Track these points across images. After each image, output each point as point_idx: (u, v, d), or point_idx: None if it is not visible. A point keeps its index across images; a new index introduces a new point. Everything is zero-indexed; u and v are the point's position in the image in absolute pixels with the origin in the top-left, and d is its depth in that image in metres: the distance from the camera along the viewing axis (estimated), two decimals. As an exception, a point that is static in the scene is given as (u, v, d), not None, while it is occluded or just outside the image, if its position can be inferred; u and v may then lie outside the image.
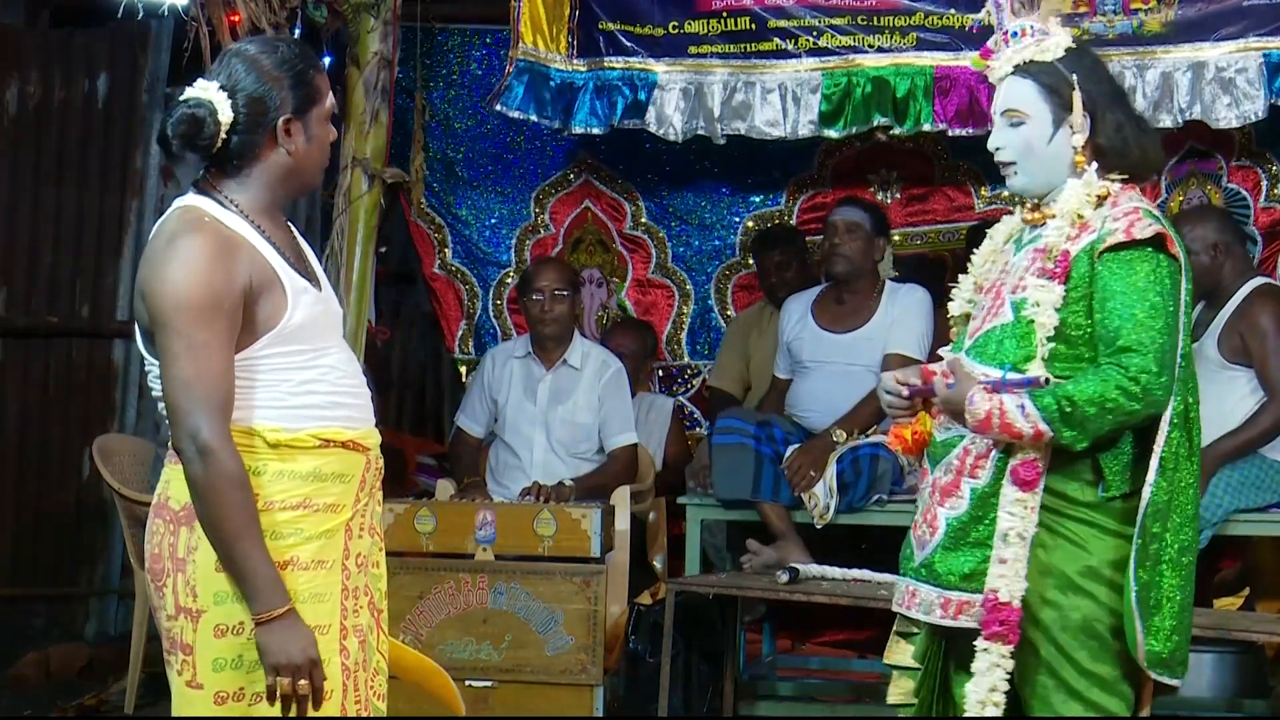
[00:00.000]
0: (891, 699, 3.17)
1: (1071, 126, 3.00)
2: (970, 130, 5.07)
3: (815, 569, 4.87)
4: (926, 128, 5.18)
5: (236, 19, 4.76)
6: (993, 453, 2.95)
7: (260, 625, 2.58)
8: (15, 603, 6.48)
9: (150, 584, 2.72)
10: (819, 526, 5.07)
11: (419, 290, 7.00)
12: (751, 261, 6.34)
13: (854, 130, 5.29)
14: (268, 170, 2.74)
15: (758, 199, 6.52)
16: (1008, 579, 2.88)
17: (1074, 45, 3.06)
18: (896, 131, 5.31)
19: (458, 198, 6.54)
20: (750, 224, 6.49)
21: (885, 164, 6.39)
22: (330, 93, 2.79)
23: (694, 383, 6.52)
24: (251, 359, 2.66)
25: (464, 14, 6.37)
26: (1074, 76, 3.01)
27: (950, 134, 5.16)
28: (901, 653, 3.14)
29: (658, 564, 5.59)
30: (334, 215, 5.10)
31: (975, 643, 2.91)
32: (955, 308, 3.20)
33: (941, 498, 2.99)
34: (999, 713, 2.91)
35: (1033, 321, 2.94)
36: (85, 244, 6.70)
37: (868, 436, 5.15)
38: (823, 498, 5.06)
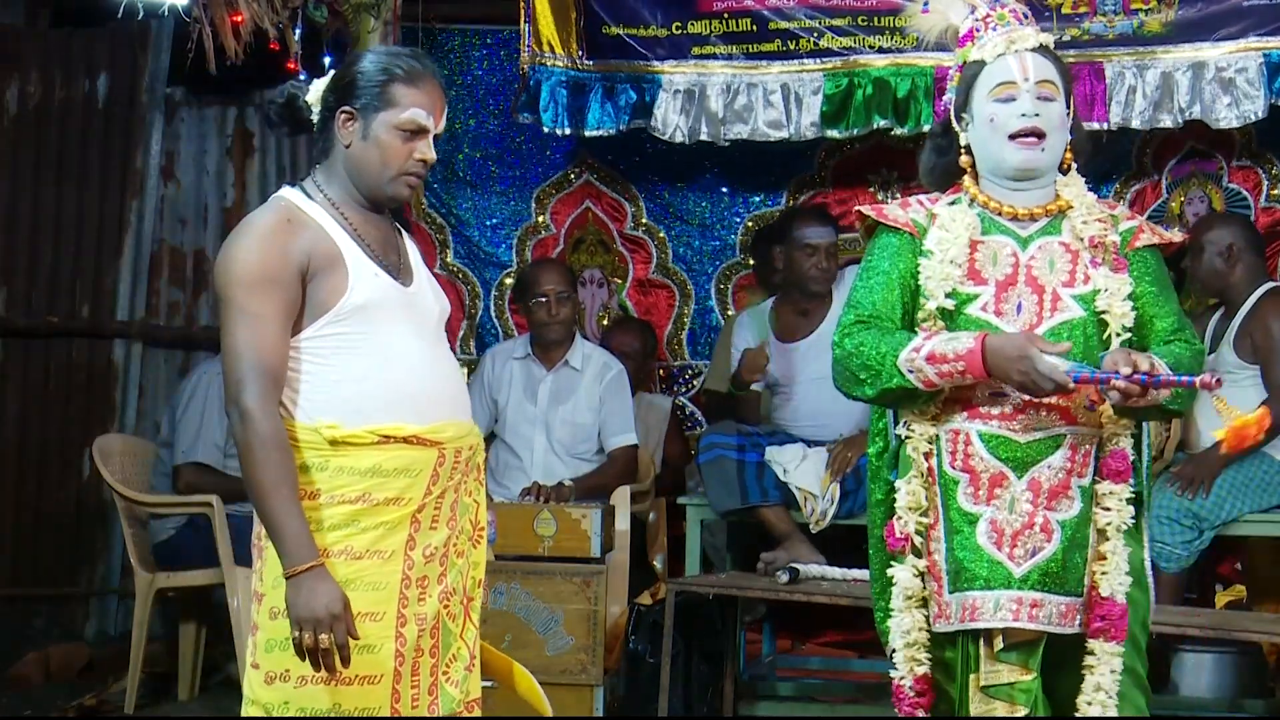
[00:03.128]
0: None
1: (1069, 121, 3.01)
2: (971, 130, 5.06)
3: (815, 569, 4.88)
4: (928, 129, 5.18)
5: (238, 19, 4.76)
6: (1092, 448, 2.93)
7: (289, 580, 2.63)
8: (15, 603, 6.47)
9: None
10: (814, 530, 5.09)
11: (419, 290, 6.98)
12: (751, 261, 6.33)
13: (856, 132, 5.30)
14: (340, 159, 2.81)
15: (758, 199, 6.51)
16: (1110, 575, 2.89)
17: None
18: (898, 132, 5.31)
19: (458, 198, 6.54)
20: (750, 224, 6.49)
21: (885, 164, 6.37)
22: (420, 111, 2.77)
23: (695, 383, 6.50)
24: (312, 339, 2.71)
25: (464, 14, 6.38)
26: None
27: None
28: (1006, 672, 2.91)
29: (658, 564, 5.59)
30: (335, 215, 5.09)
31: (1088, 644, 2.89)
32: (934, 304, 2.97)
33: (1049, 501, 2.90)
34: (1114, 712, 2.88)
35: (1102, 313, 2.94)
36: (85, 244, 6.68)
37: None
38: (821, 504, 5.07)
